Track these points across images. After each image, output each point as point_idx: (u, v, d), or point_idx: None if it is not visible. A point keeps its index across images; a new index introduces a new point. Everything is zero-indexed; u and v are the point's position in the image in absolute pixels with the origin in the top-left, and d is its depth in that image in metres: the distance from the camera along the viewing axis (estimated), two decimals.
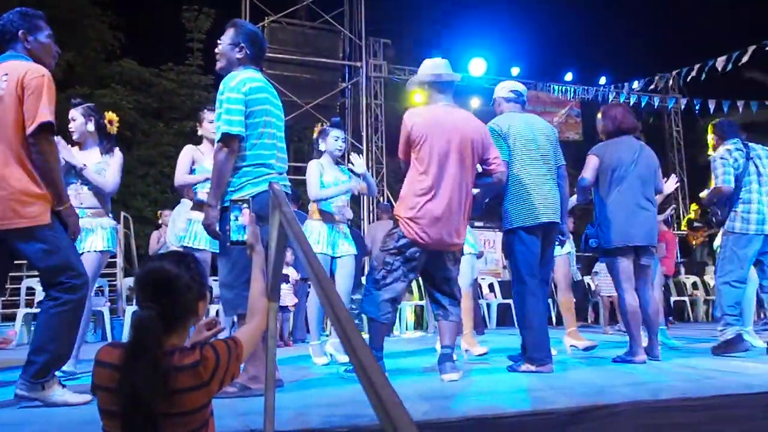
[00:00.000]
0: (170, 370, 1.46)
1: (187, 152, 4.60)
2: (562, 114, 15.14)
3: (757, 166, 4.62)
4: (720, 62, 8.99)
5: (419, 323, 9.44)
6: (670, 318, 9.49)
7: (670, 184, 5.33)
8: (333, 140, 4.67)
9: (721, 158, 4.63)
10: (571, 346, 4.77)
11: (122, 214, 9.95)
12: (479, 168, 3.60)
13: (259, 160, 3.09)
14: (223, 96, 3.02)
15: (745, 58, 8.32)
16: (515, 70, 14.87)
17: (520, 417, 2.33)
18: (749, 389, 2.79)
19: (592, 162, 4.28)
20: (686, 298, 10.91)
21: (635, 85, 13.07)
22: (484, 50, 14.69)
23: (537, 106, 14.98)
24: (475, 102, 13.45)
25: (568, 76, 15.07)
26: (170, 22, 16.99)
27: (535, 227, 3.76)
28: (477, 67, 14.13)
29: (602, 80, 14.62)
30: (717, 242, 6.46)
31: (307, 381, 3.56)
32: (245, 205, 2.21)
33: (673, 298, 10.56)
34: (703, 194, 4.89)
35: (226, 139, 2.97)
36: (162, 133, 15.55)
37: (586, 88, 14.17)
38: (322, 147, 4.70)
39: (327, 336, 5.10)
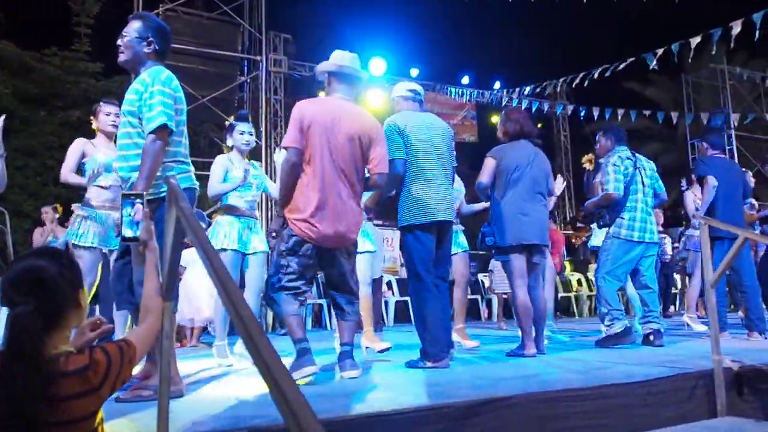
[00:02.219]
0: (55, 375, 1.37)
1: (78, 145, 4.39)
2: (460, 116, 15.59)
3: (641, 177, 4.91)
4: (602, 71, 9.57)
5: (318, 321, 9.41)
6: (557, 312, 10.03)
7: (558, 185, 5.61)
8: (239, 134, 4.57)
9: (614, 165, 4.87)
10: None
11: None
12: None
13: (180, 158, 3.09)
14: (154, 88, 2.94)
15: (621, 66, 8.91)
16: (414, 71, 15.14)
17: (420, 411, 2.36)
18: (630, 378, 2.98)
19: (489, 164, 4.42)
20: (572, 295, 11.54)
21: (527, 90, 13.62)
22: (385, 50, 14.85)
23: (434, 107, 15.32)
24: (374, 100, 13.58)
25: (465, 80, 15.54)
26: (54, 3, 15.91)
27: (429, 225, 3.82)
28: (377, 66, 14.27)
29: (497, 85, 15.17)
30: (594, 241, 6.92)
31: (209, 381, 3.49)
32: (138, 200, 2.10)
33: (560, 294, 11.16)
34: (590, 202, 5.12)
35: (164, 130, 2.91)
36: (44, 122, 14.52)
37: (481, 91, 14.63)
38: (229, 142, 4.62)
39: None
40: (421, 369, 3.67)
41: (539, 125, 17.94)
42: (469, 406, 2.45)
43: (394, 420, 2.28)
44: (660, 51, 7.81)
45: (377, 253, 5.31)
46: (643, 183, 4.90)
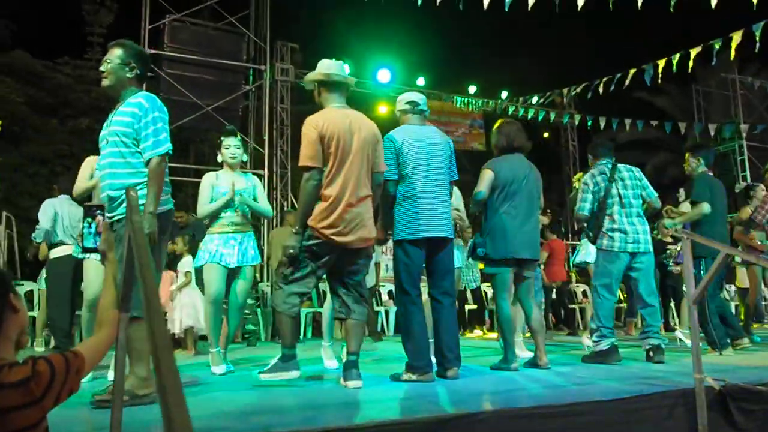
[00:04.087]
0: None
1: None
2: (467, 125, 15.58)
3: (618, 189, 4.84)
4: (608, 81, 9.52)
5: (318, 330, 9.37)
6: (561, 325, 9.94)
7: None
8: (225, 149, 4.65)
9: (584, 184, 4.90)
10: None
11: (4, 213, 9.34)
12: None
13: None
14: (155, 114, 3.12)
15: (627, 77, 8.87)
16: (421, 81, 15.15)
17: (382, 426, 2.35)
18: (605, 396, 2.94)
19: (487, 175, 4.38)
20: (576, 306, 11.43)
21: (534, 99, 13.58)
22: (392, 60, 14.90)
23: (442, 117, 15.34)
24: (382, 110, 13.61)
25: (472, 89, 15.51)
26: (68, 13, 16.17)
27: (419, 240, 3.81)
28: (383, 76, 14.31)
29: (504, 94, 15.13)
30: (578, 258, 6.93)
31: (203, 389, 3.55)
32: (99, 212, 2.12)
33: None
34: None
35: (166, 155, 3.11)
36: (55, 131, 14.72)
37: (487, 101, 14.60)
38: (219, 158, 4.71)
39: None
40: (404, 382, 3.65)
41: (546, 135, 17.91)
42: (434, 422, 2.43)
43: None
44: (662, 62, 7.77)
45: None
46: (620, 195, 4.82)
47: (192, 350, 6.13)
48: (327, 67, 3.71)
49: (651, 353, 4.58)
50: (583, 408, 2.73)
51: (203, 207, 4.52)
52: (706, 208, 5.21)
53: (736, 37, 6.76)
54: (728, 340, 5.20)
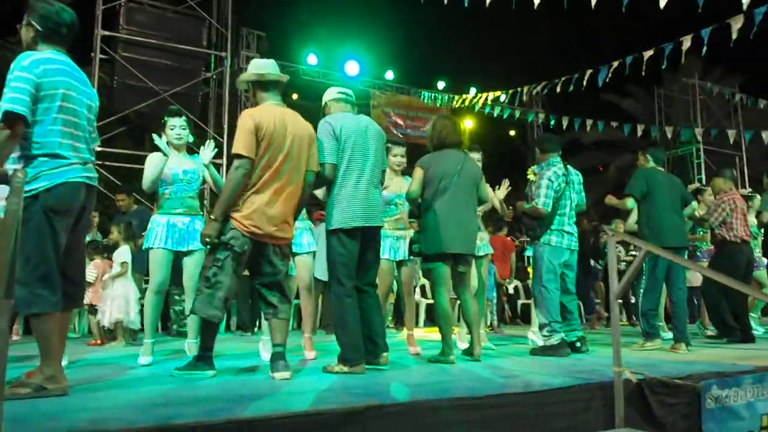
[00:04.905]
0: None
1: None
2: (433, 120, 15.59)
3: (570, 191, 5.07)
4: (567, 81, 9.61)
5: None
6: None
7: (502, 190, 5.63)
8: (170, 130, 4.56)
9: (549, 180, 4.96)
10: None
11: None
12: None
13: (54, 150, 2.86)
14: (12, 74, 2.77)
15: (586, 77, 8.96)
16: (389, 74, 15.13)
17: (293, 418, 2.32)
18: (528, 388, 2.96)
19: (418, 174, 4.40)
20: (532, 302, 11.49)
21: (501, 97, 13.66)
22: (361, 52, 14.84)
23: (409, 111, 15.34)
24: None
25: (440, 85, 15.55)
26: None
27: (354, 230, 3.79)
28: (351, 68, 14.25)
29: (471, 90, 15.19)
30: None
31: (122, 381, 3.48)
32: None
33: (521, 301, 11.15)
34: (525, 207, 5.13)
35: (9, 118, 2.70)
36: None
37: (454, 96, 14.65)
38: (164, 139, 4.51)
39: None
40: (336, 374, 3.62)
41: (512, 132, 18.05)
42: (347, 414, 2.41)
43: (264, 426, 2.23)
44: (615, 64, 7.86)
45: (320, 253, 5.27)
46: (571, 198, 5.07)
47: (122, 342, 6.01)
48: (259, 66, 3.75)
49: (578, 344, 4.85)
50: (502, 400, 2.74)
51: (146, 179, 4.41)
52: (629, 203, 5.48)
53: (686, 42, 6.87)
54: (658, 333, 5.39)
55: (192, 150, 4.84)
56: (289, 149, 3.53)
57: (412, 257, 4.83)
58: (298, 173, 3.62)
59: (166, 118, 4.63)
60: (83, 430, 2.06)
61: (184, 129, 4.61)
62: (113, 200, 7.71)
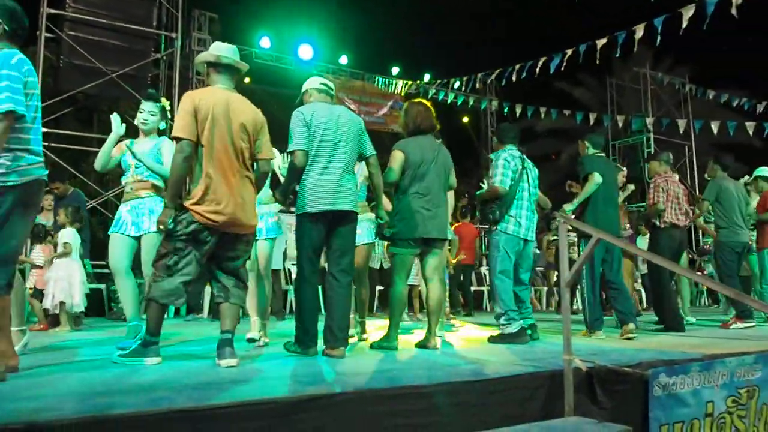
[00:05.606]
0: None
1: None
2: (387, 106, 15.56)
3: (528, 177, 5.05)
4: (521, 68, 9.67)
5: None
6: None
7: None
8: (139, 114, 4.57)
9: (504, 160, 4.98)
10: None
11: None
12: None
13: (31, 146, 3.06)
14: (2, 72, 2.90)
15: (537, 65, 9.02)
16: (343, 59, 15.00)
17: (238, 407, 2.26)
18: (477, 376, 2.95)
19: (398, 157, 4.39)
20: (485, 289, 11.68)
21: (455, 83, 13.69)
22: (315, 36, 14.64)
23: (363, 97, 15.26)
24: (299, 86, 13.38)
25: (395, 70, 15.49)
26: None
27: (320, 215, 3.80)
28: (305, 52, 14.06)
29: (426, 77, 15.18)
30: None
31: (64, 366, 3.39)
32: None
33: (473, 288, 11.27)
34: (478, 193, 5.17)
35: (9, 115, 2.87)
36: None
37: (409, 82, 14.62)
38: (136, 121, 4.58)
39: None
40: (290, 357, 3.67)
41: (465, 119, 18.13)
42: (293, 403, 2.36)
43: (204, 416, 2.17)
44: (569, 52, 7.93)
45: (279, 240, 5.21)
46: (528, 183, 5.06)
47: (67, 327, 5.88)
48: (218, 48, 3.72)
49: (530, 331, 4.90)
50: (449, 388, 2.72)
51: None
52: (597, 178, 5.34)
53: (639, 31, 6.96)
54: (602, 323, 5.44)
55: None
56: (232, 134, 3.47)
57: (375, 239, 4.85)
58: (244, 158, 3.57)
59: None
60: (14, 421, 1.96)
61: (153, 115, 4.59)
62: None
